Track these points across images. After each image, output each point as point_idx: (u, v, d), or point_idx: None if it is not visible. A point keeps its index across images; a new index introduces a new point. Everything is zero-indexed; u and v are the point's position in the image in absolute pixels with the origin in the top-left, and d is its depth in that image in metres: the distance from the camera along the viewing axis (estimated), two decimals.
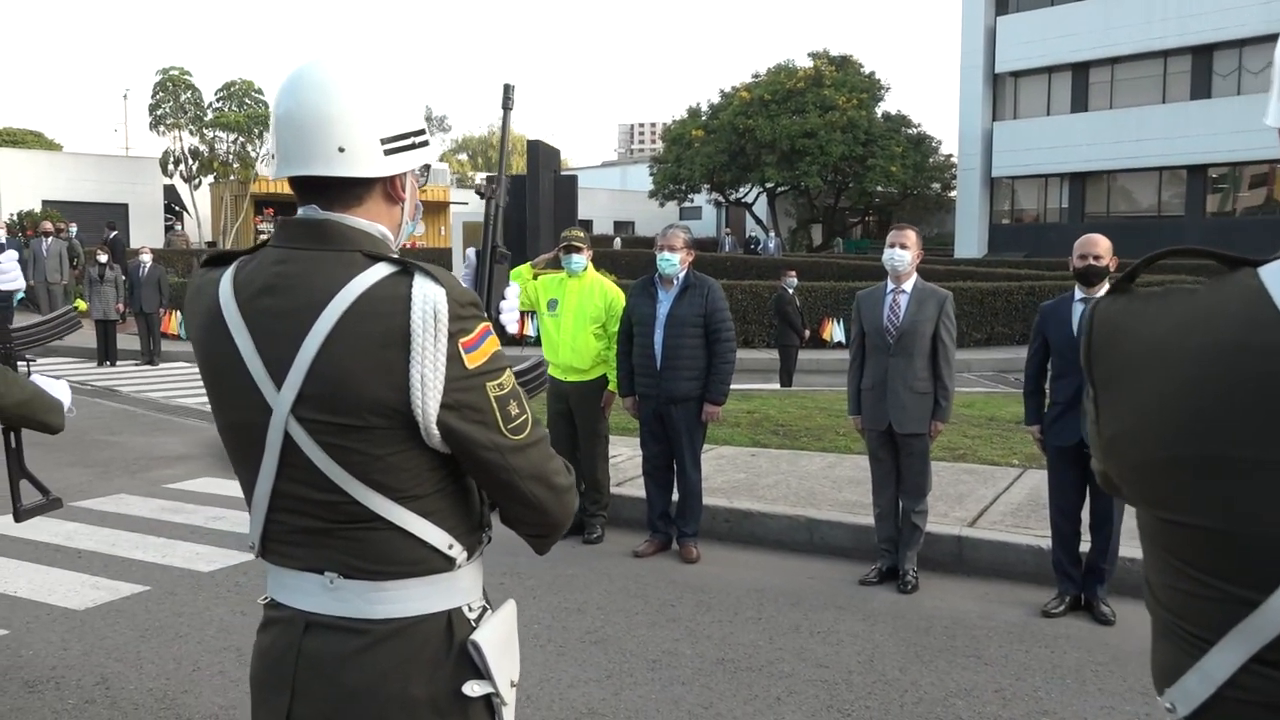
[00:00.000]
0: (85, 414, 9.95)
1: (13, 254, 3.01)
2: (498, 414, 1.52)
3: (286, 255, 1.54)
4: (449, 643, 1.57)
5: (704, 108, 41.75)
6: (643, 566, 5.86)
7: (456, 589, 1.59)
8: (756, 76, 41.04)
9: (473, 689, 1.57)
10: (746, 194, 41.95)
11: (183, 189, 35.45)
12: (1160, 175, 33.83)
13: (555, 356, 6.23)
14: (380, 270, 1.49)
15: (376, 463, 1.49)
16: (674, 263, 5.92)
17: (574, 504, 1.66)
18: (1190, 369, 1.06)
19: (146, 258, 15.74)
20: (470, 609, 1.61)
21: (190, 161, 34.49)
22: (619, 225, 46.59)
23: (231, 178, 35.17)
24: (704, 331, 5.88)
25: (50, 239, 18.08)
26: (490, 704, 1.60)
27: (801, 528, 6.24)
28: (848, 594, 5.39)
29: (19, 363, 2.91)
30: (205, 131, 34.48)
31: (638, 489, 6.57)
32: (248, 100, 34.81)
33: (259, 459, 1.54)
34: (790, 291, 13.96)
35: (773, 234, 40.35)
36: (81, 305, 16.01)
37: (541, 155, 11.62)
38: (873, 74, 40.39)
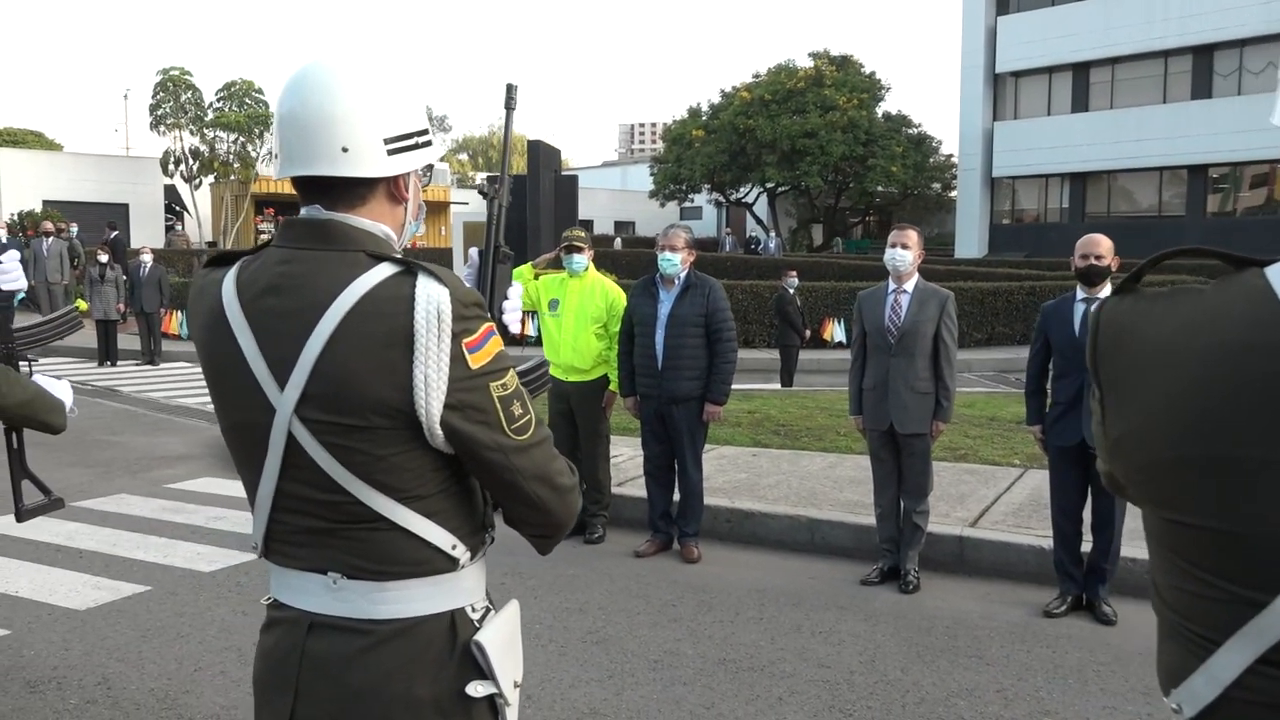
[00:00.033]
0: (86, 414, 9.94)
1: (14, 254, 2.99)
2: (501, 414, 1.52)
3: (290, 255, 1.54)
4: (452, 643, 1.56)
5: (704, 108, 41.76)
6: (644, 566, 5.86)
7: (460, 589, 1.59)
8: (757, 76, 41.05)
9: (476, 689, 1.56)
10: (747, 194, 41.95)
11: (183, 189, 35.46)
12: (1161, 175, 33.83)
13: (556, 356, 6.22)
14: (384, 270, 1.49)
15: (380, 463, 1.49)
16: (675, 263, 5.92)
17: (577, 504, 1.66)
18: (1197, 369, 1.05)
19: (147, 258, 15.75)
20: (474, 609, 1.60)
21: (191, 161, 34.50)
22: (619, 225, 46.59)
23: (232, 178, 35.18)
24: (705, 331, 5.88)
25: (51, 239, 18.07)
26: (494, 704, 1.60)
27: (803, 528, 6.24)
28: (849, 594, 5.39)
29: (21, 363, 2.91)
30: (206, 131, 34.49)
31: (639, 489, 6.57)
32: (248, 100, 34.81)
33: (262, 459, 1.54)
34: (791, 291, 13.96)
35: (773, 234, 40.35)
36: (82, 305, 16.01)
37: (542, 155, 11.62)
38: (873, 74, 40.39)
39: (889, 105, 42.89)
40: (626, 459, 7.55)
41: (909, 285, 5.45)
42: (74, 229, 22.27)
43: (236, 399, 1.56)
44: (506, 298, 1.96)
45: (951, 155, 40.71)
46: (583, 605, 5.17)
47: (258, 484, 1.57)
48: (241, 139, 34.44)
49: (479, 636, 1.57)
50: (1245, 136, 30.07)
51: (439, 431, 1.48)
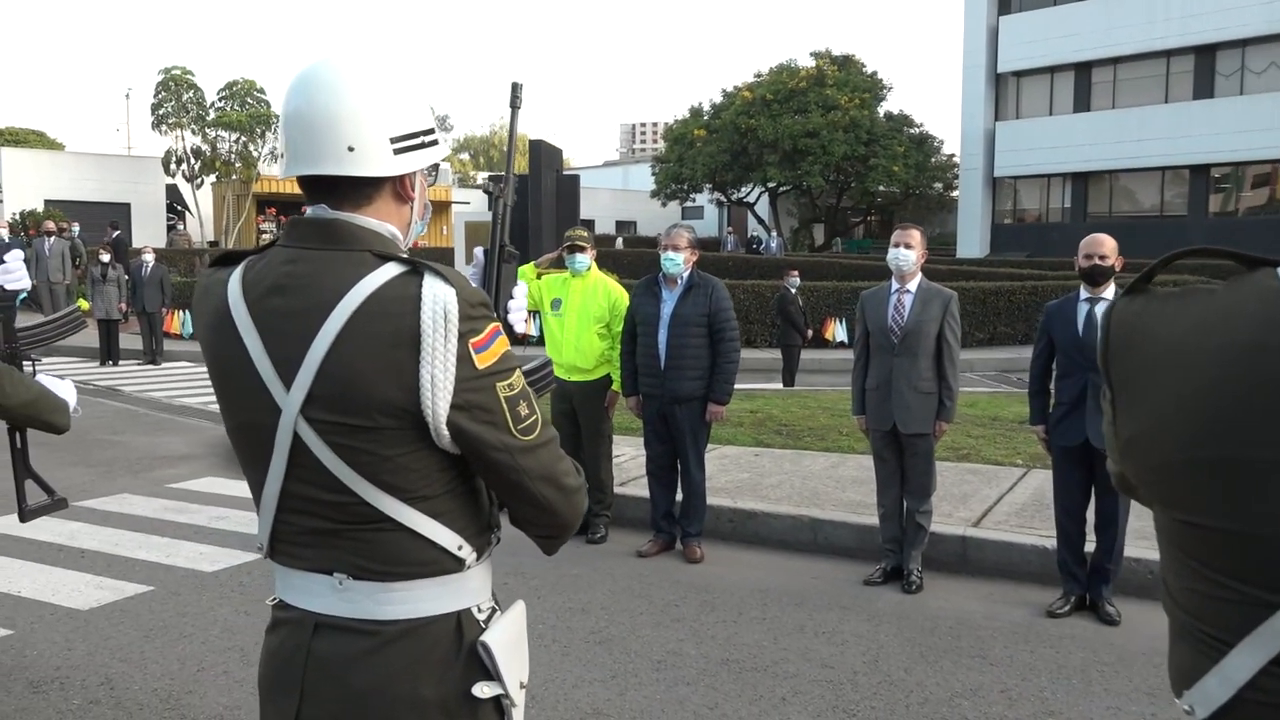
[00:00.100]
0: (88, 414, 9.93)
1: (18, 253, 2.99)
2: (508, 415, 1.51)
3: (296, 255, 1.53)
4: (458, 644, 1.56)
5: (706, 107, 41.72)
6: (646, 566, 5.86)
7: (466, 590, 1.58)
8: (759, 76, 41.02)
9: (482, 690, 1.56)
10: (748, 194, 41.92)
11: (185, 188, 35.44)
12: (1163, 175, 33.81)
13: (559, 356, 6.22)
14: (390, 270, 1.48)
15: (386, 463, 1.48)
16: (678, 262, 5.91)
17: (583, 505, 1.66)
18: (1209, 370, 1.05)
19: (149, 257, 15.75)
20: (480, 610, 1.60)
21: (192, 161, 34.48)
22: (621, 225, 46.57)
23: (234, 177, 35.17)
24: (708, 331, 5.87)
25: (53, 238, 18.07)
26: (500, 705, 1.59)
27: (805, 528, 6.23)
28: (852, 594, 5.38)
29: (24, 362, 2.91)
30: (207, 131, 34.47)
31: (641, 489, 6.56)
32: (250, 100, 34.78)
33: (268, 460, 1.54)
34: (793, 291, 13.96)
35: (775, 234, 40.32)
36: (84, 305, 16.00)
37: (544, 155, 11.59)
38: (875, 74, 40.36)
39: (891, 105, 42.78)
40: (629, 459, 7.55)
41: (912, 285, 5.45)
42: (76, 228, 22.27)
43: (242, 399, 1.56)
44: (512, 297, 1.95)
45: (953, 155, 40.69)
46: (585, 605, 5.17)
47: (263, 484, 1.56)
48: (243, 138, 34.41)
49: (485, 637, 1.57)
50: (1247, 136, 30.10)
51: (445, 432, 1.47)
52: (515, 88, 2.00)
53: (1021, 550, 5.67)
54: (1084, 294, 5.02)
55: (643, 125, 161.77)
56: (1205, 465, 1.06)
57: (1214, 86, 32.02)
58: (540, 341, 6.69)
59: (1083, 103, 35.23)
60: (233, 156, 34.72)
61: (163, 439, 9.70)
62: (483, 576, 1.63)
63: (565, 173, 12.54)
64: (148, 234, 31.03)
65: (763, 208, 42.72)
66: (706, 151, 39.48)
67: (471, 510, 1.59)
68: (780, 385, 13.31)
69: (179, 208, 36.94)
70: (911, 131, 40.21)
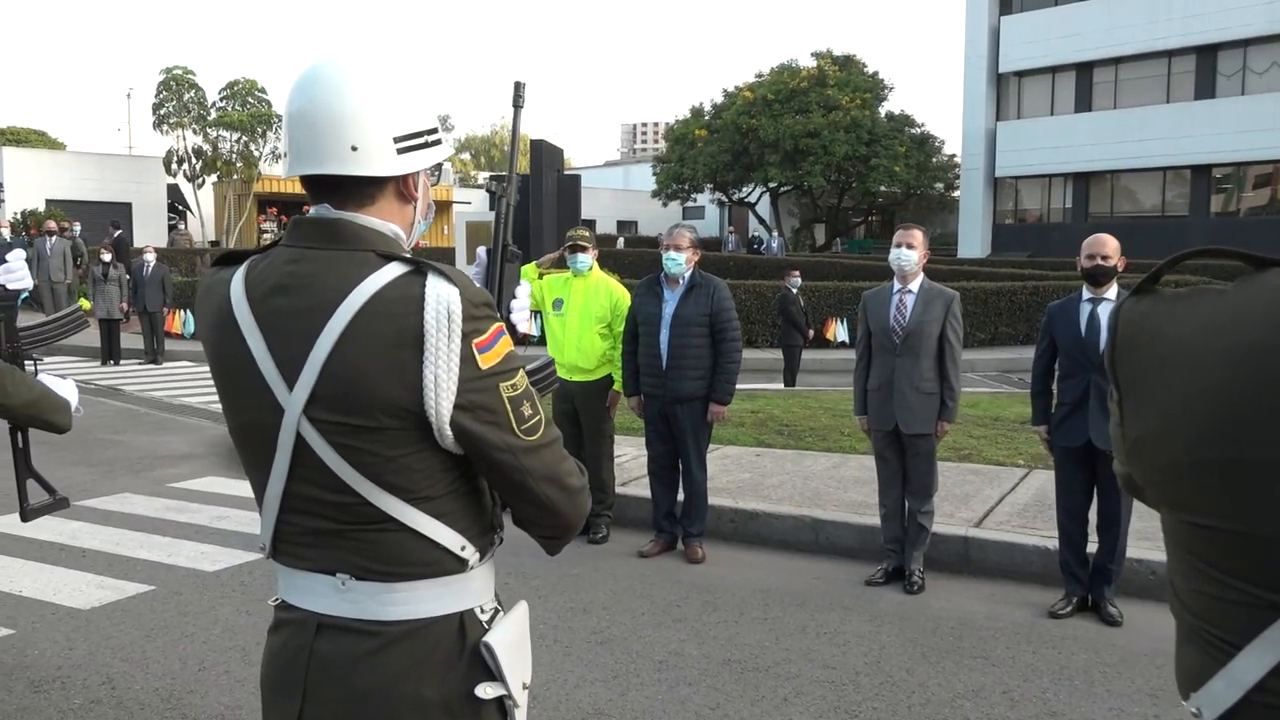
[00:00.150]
0: (89, 413, 9.94)
1: (21, 252, 2.98)
2: (511, 415, 1.51)
3: (299, 254, 1.53)
4: (461, 644, 1.56)
5: (707, 107, 41.71)
6: (648, 566, 5.85)
7: (469, 590, 1.58)
8: (760, 76, 40.99)
9: (485, 691, 1.55)
10: (749, 194, 41.91)
11: (186, 188, 35.44)
12: (1164, 175, 33.79)
13: (560, 356, 6.21)
14: (393, 270, 1.48)
15: (389, 464, 1.48)
16: (680, 262, 5.91)
17: (586, 505, 1.65)
18: (1218, 370, 1.04)
19: (150, 257, 15.76)
20: (482, 610, 1.60)
21: (194, 161, 34.48)
22: (622, 225, 46.56)
23: (235, 177, 35.17)
24: (709, 331, 5.87)
25: (54, 238, 18.10)
26: (502, 706, 1.59)
27: (807, 528, 6.23)
28: (854, 594, 5.38)
29: (26, 362, 2.90)
30: (209, 131, 34.48)
31: (643, 489, 6.56)
32: (251, 99, 34.79)
33: (270, 460, 1.53)
34: (794, 291, 13.95)
35: (776, 234, 40.31)
36: (85, 304, 16.01)
37: (545, 155, 11.59)
38: (876, 74, 40.34)
39: (892, 105, 42.76)
40: (630, 459, 7.54)
41: (914, 285, 5.44)
42: (77, 228, 22.28)
43: (245, 399, 1.55)
44: (514, 297, 1.95)
45: (954, 155, 40.67)
46: (587, 605, 5.16)
47: (266, 484, 1.56)
48: (244, 138, 34.42)
49: (488, 638, 1.57)
50: (1249, 136, 30.09)
51: (449, 432, 1.47)
52: (518, 87, 2.00)
53: (1023, 551, 5.66)
54: (1086, 294, 5.01)
55: (644, 125, 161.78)
56: (1213, 466, 1.05)
57: (1215, 86, 32.00)
58: (542, 341, 6.68)
59: (1084, 103, 35.21)
60: (234, 156, 34.73)
61: (164, 438, 9.70)
62: (485, 577, 1.62)
63: (566, 173, 12.54)
64: (149, 234, 31.04)
65: (764, 208, 42.70)
66: (707, 151, 39.47)
67: (474, 511, 1.58)
68: (781, 385, 13.31)
69: (180, 207, 36.95)
70: (913, 131, 40.20)
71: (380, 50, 1.58)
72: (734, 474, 7.32)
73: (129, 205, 33.66)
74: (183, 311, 17.69)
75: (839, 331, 17.56)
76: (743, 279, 20.62)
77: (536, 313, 6.73)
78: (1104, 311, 4.91)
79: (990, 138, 36.92)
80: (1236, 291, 1.07)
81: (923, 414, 5.36)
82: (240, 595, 5.30)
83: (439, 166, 1.68)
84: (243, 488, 7.17)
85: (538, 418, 1.55)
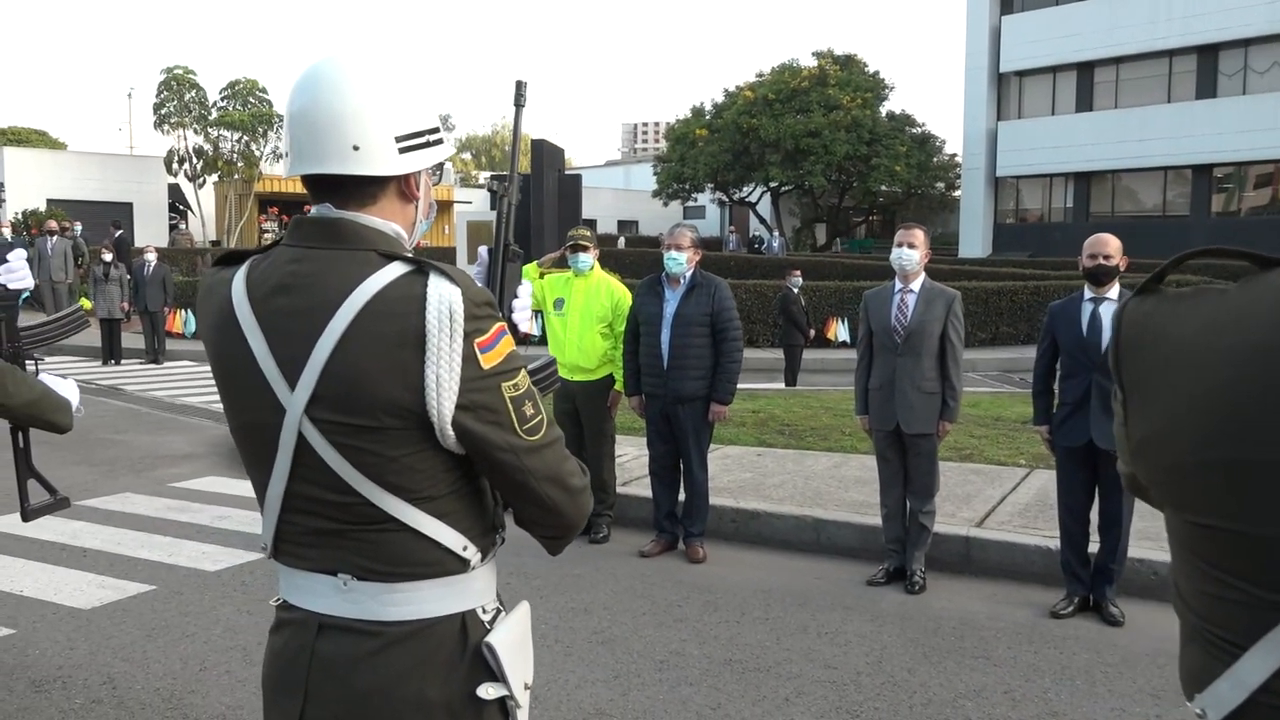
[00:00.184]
0: (90, 413, 9.93)
1: (22, 252, 2.97)
2: (513, 415, 1.50)
3: (300, 254, 1.53)
4: (463, 645, 1.55)
5: (708, 107, 41.70)
6: (649, 566, 5.85)
7: (471, 591, 1.58)
8: (761, 76, 40.99)
9: (487, 691, 1.55)
10: (750, 193, 41.90)
11: (187, 188, 35.44)
12: (1165, 175, 33.78)
13: (561, 356, 6.21)
14: (395, 269, 1.48)
15: (391, 464, 1.47)
16: (681, 262, 5.90)
17: (589, 505, 1.65)
18: (1222, 370, 1.04)
19: (151, 256, 15.77)
20: (484, 611, 1.59)
21: (194, 160, 34.48)
22: (623, 224, 46.56)
23: (236, 177, 35.17)
24: (711, 331, 5.86)
25: (55, 238, 18.10)
26: (504, 706, 1.59)
27: (808, 528, 6.22)
28: (855, 594, 5.37)
29: (27, 362, 2.90)
30: (209, 130, 34.47)
31: (644, 489, 6.56)
32: (252, 99, 34.78)
33: (272, 460, 1.53)
34: (795, 291, 13.95)
35: (777, 233, 40.30)
36: (86, 304, 16.01)
37: (545, 154, 11.59)
38: (877, 73, 40.33)
39: (893, 105, 42.71)
40: (631, 459, 7.54)
41: (915, 285, 5.44)
42: (78, 228, 22.28)
43: (246, 399, 1.55)
44: (516, 296, 1.95)
45: (955, 155, 40.66)
46: (588, 605, 5.16)
47: (267, 484, 1.56)
48: (245, 138, 34.41)
49: (490, 638, 1.56)
50: (1250, 136, 30.07)
51: (450, 432, 1.46)
52: (520, 86, 2.00)
53: (1025, 551, 5.66)
54: (1088, 294, 5.00)
55: (644, 125, 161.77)
56: (1218, 466, 1.05)
57: (1217, 86, 31.99)
58: (543, 341, 6.68)
59: (1085, 102, 35.20)
60: (235, 156, 34.73)
61: (165, 438, 9.70)
62: (487, 577, 1.62)
63: (567, 172, 12.54)
64: (150, 233, 31.03)
65: (765, 207, 42.69)
66: (708, 151, 39.46)
67: (476, 511, 1.58)
68: (783, 385, 13.30)
69: (181, 207, 36.95)
70: (914, 131, 40.19)
71: (382, 49, 1.57)
72: (735, 474, 7.31)
73: (130, 205, 33.65)
74: (184, 311, 17.70)
75: (840, 331, 17.56)
76: (744, 279, 20.62)
77: (538, 312, 6.73)
78: (1106, 311, 4.91)
79: (991, 137, 36.91)
80: (1241, 291, 1.07)
81: (924, 414, 5.36)
82: (241, 595, 5.29)
83: (440, 166, 1.68)
84: (244, 487, 7.17)
85: (540, 418, 1.54)
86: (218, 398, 1.65)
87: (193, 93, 34.40)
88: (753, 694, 4.14)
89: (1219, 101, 31.66)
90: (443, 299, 1.44)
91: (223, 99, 34.90)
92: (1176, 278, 1.20)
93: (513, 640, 1.60)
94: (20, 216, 27.32)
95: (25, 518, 2.94)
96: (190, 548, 6.12)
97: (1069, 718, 3.97)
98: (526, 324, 2.00)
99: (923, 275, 5.48)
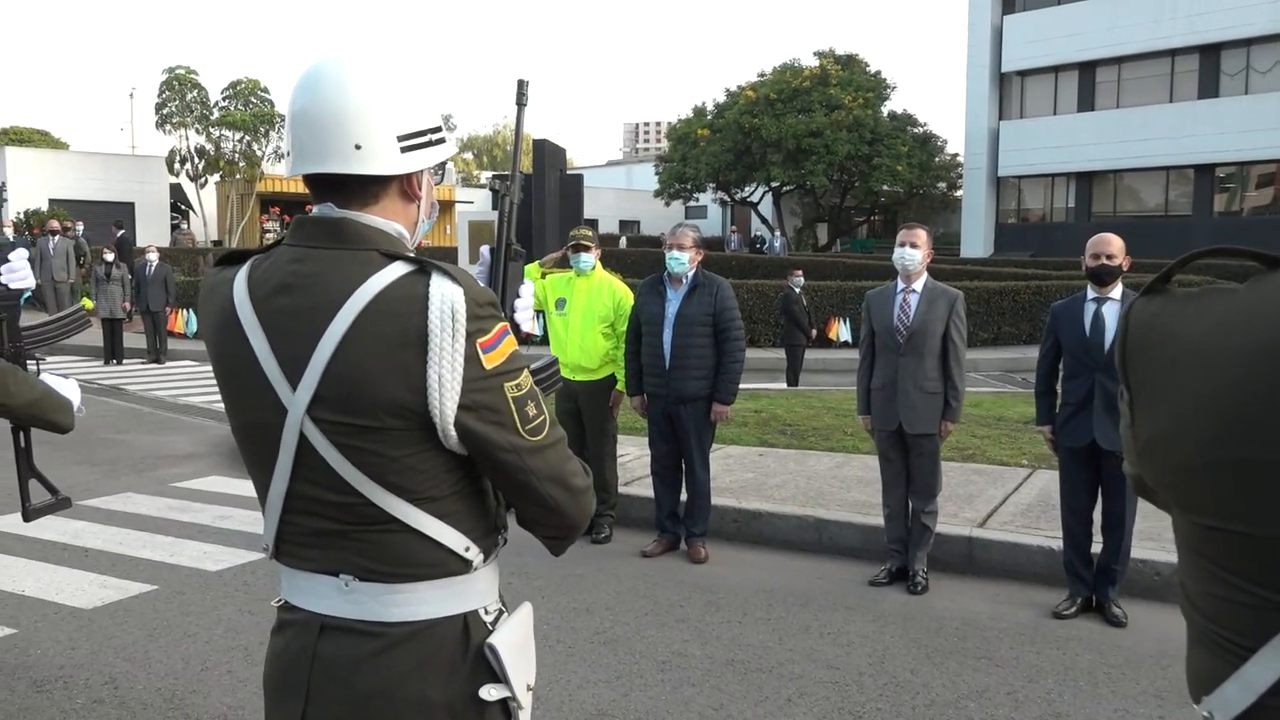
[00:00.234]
0: (92, 412, 9.93)
1: (24, 252, 2.97)
2: (515, 415, 1.50)
3: (302, 254, 1.52)
4: (465, 646, 1.55)
5: (709, 107, 41.67)
6: (651, 566, 5.84)
7: (473, 591, 1.57)
8: (762, 75, 40.95)
9: (489, 693, 1.55)
10: (752, 193, 41.88)
11: (189, 188, 35.42)
12: (1167, 175, 33.75)
13: (563, 356, 6.20)
14: (397, 269, 1.47)
15: (392, 464, 1.47)
16: (683, 261, 5.90)
17: (591, 506, 1.64)
18: (1230, 370, 1.03)
19: (153, 256, 15.79)
20: (487, 611, 1.59)
21: (196, 160, 34.47)
22: (624, 224, 46.55)
23: (237, 176, 35.17)
24: (713, 331, 5.86)
25: (57, 237, 18.12)
26: (506, 708, 1.58)
27: (810, 528, 6.21)
28: (857, 595, 5.36)
29: (29, 361, 2.90)
30: (211, 130, 34.46)
31: (646, 489, 6.55)
32: (253, 99, 34.77)
33: (273, 460, 1.52)
34: (797, 291, 13.94)
35: (778, 233, 40.28)
36: (88, 304, 16.02)
37: (547, 154, 11.61)
38: (879, 73, 40.29)
39: (894, 104, 42.64)
40: (633, 458, 7.53)
41: (918, 285, 5.43)
42: (80, 227, 22.30)
43: (248, 399, 1.54)
44: (518, 296, 1.94)
45: (957, 154, 40.62)
46: (590, 606, 5.15)
47: (269, 485, 1.55)
48: (247, 138, 34.39)
49: (492, 639, 1.56)
50: (1252, 136, 30.04)
51: (453, 433, 1.46)
52: (521, 85, 1.99)
53: (1027, 551, 5.65)
54: (1091, 294, 4.99)
55: (646, 125, 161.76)
56: (1225, 467, 1.04)
57: (1219, 86, 31.95)
58: (545, 341, 6.68)
59: (1087, 102, 35.17)
60: (236, 156, 34.72)
61: (167, 438, 9.70)
62: (490, 578, 1.61)
63: (569, 172, 12.54)
64: (151, 233, 31.01)
65: (766, 207, 42.67)
66: (710, 151, 39.44)
67: (478, 511, 1.57)
68: (784, 385, 13.29)
69: (183, 207, 36.96)
70: (915, 131, 40.14)
71: (383, 49, 1.57)
72: (737, 474, 7.31)
73: (132, 205, 33.63)
74: (185, 311, 17.71)
75: (842, 331, 17.55)
76: (745, 278, 20.60)
77: (540, 312, 6.73)
78: (1108, 311, 4.90)
79: (993, 137, 36.89)
80: (1249, 291, 1.06)
81: (926, 414, 5.35)
82: (243, 595, 5.29)
83: (442, 165, 1.67)
84: (246, 487, 7.16)
85: (542, 418, 1.54)
86: (219, 398, 1.64)
87: (194, 93, 34.40)
88: (755, 694, 4.13)
89: (1221, 101, 31.63)
90: (445, 299, 1.44)
91: (224, 99, 34.90)
92: (1180, 277, 1.19)
93: (515, 641, 1.60)
94: (22, 216, 27.32)
95: (26, 518, 2.94)
96: (192, 547, 6.12)
97: (1072, 718, 3.96)
98: (529, 324, 2.00)
99: (925, 275, 5.47)
